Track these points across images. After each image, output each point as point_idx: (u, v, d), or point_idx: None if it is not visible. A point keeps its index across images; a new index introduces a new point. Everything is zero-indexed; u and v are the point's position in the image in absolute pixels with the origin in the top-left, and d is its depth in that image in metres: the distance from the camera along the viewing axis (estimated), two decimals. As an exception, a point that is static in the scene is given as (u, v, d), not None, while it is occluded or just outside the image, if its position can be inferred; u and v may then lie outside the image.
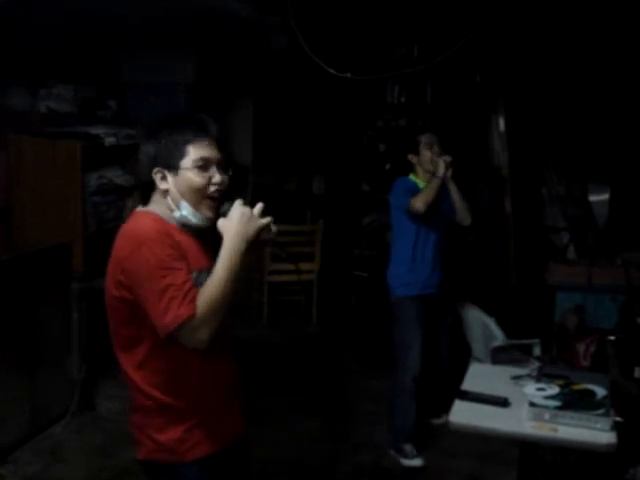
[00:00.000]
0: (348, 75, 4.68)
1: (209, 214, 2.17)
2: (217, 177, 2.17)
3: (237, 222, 2.06)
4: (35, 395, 4.47)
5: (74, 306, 4.77)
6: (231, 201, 2.11)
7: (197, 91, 6.20)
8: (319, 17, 5.65)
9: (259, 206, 2.10)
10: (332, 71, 4.62)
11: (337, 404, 5.14)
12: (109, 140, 5.06)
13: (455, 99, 6.97)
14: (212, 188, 2.17)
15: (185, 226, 2.19)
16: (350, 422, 4.86)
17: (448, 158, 4.26)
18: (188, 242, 2.17)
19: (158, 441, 2.19)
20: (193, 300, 1.99)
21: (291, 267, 6.37)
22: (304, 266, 6.71)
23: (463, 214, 4.45)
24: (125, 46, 5.89)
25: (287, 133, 7.72)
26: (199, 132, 2.17)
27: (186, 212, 2.15)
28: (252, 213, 2.08)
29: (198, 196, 2.15)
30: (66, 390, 4.72)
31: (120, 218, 5.19)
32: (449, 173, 4.29)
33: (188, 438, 2.18)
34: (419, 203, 4.18)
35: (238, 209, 2.08)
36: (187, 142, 2.15)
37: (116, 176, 5.17)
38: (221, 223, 2.09)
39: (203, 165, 2.15)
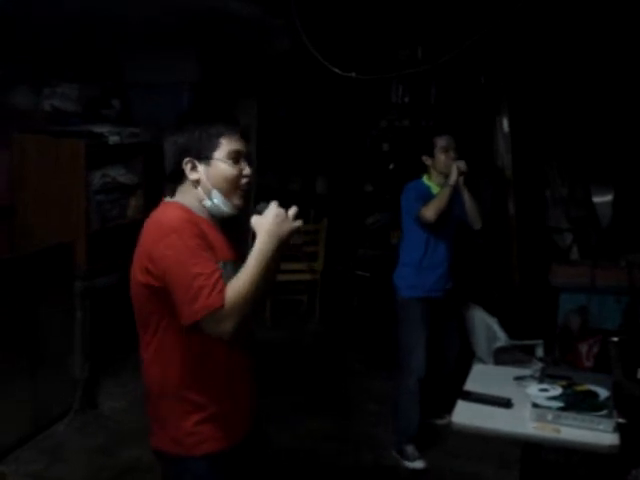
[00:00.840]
0: (353, 75, 4.67)
1: (239, 203, 2.25)
2: (247, 169, 2.25)
3: (272, 221, 2.11)
4: (37, 394, 4.47)
5: (77, 305, 4.77)
6: (265, 201, 2.17)
7: (200, 91, 6.20)
8: (323, 17, 5.64)
9: (293, 209, 2.17)
10: (337, 71, 4.61)
11: (340, 404, 5.14)
12: (113, 139, 5.06)
13: (459, 100, 6.96)
14: (243, 180, 2.24)
15: (212, 217, 2.25)
16: (353, 422, 4.86)
17: (462, 165, 4.22)
18: (214, 233, 2.22)
19: (169, 433, 2.21)
20: (222, 291, 2.01)
21: (295, 266, 6.37)
22: (308, 265, 6.71)
23: (475, 219, 4.43)
24: (129, 46, 5.89)
25: (291, 133, 7.72)
26: (231, 125, 2.24)
27: (217, 200, 2.21)
28: (287, 215, 2.14)
29: (231, 186, 2.22)
30: (68, 389, 4.72)
31: (124, 217, 5.21)
32: (461, 180, 4.28)
33: (197, 432, 2.18)
34: (430, 212, 4.14)
35: (274, 209, 2.13)
36: (221, 134, 2.21)
37: (120, 175, 5.17)
38: (255, 220, 2.13)
39: (235, 157, 2.22)
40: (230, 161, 2.20)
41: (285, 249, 2.16)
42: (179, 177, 2.24)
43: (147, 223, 2.19)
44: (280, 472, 4.00)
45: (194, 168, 2.20)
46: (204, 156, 2.19)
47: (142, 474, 4.01)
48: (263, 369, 5.13)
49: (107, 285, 4.77)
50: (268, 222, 2.11)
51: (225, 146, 2.20)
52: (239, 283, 2.03)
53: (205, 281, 2.00)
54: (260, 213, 2.15)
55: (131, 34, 5.60)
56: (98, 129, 5.08)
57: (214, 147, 2.20)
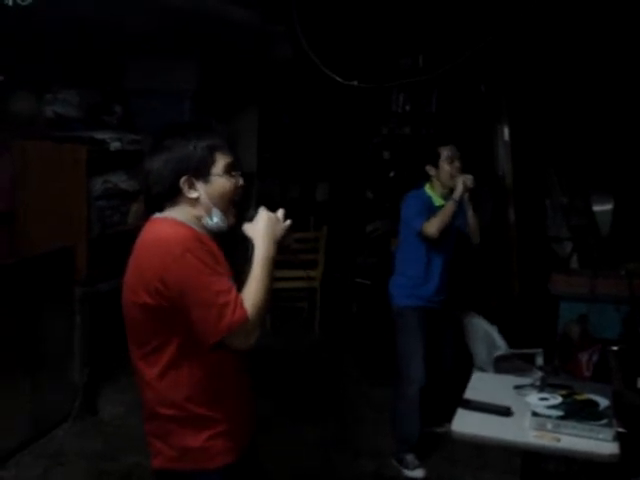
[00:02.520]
0: (355, 83, 4.68)
1: (233, 219, 2.23)
2: (241, 181, 2.23)
3: (266, 225, 2.13)
4: (37, 399, 4.47)
5: (77, 310, 4.77)
6: (250, 208, 2.19)
7: (202, 97, 6.21)
8: (325, 25, 5.66)
9: (281, 211, 2.19)
10: (339, 79, 4.62)
11: (338, 411, 5.14)
12: (114, 145, 5.06)
13: (460, 108, 6.98)
14: (238, 192, 2.22)
15: (209, 232, 2.20)
16: (352, 430, 4.86)
17: (469, 180, 4.19)
18: (217, 249, 2.19)
19: (179, 449, 2.16)
20: (243, 305, 2.00)
21: (294, 274, 6.37)
22: (307, 273, 6.71)
23: (475, 234, 4.42)
24: (130, 52, 5.90)
25: (292, 140, 7.73)
26: (220, 138, 2.21)
27: (218, 219, 2.17)
28: (277, 217, 2.17)
29: (228, 202, 2.19)
30: (68, 394, 4.72)
31: (124, 223, 5.20)
32: (467, 197, 4.27)
33: (211, 446, 2.16)
34: (433, 229, 4.10)
35: (264, 213, 2.16)
36: (215, 149, 2.17)
37: (121, 181, 5.17)
38: (247, 227, 2.16)
39: (230, 170, 2.19)
40: (227, 175, 2.17)
41: (280, 252, 2.17)
42: (172, 196, 2.16)
43: (145, 240, 2.13)
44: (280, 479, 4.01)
45: (192, 186, 2.14)
46: (203, 173, 2.14)
47: (142, 480, 4.01)
48: (263, 376, 5.14)
49: (107, 291, 4.76)
50: (262, 227, 2.13)
51: (221, 160, 2.17)
52: (251, 293, 2.04)
53: (226, 297, 1.99)
54: (250, 220, 2.18)
55: (132, 41, 5.61)
56: (99, 135, 5.08)
57: (211, 163, 2.15)
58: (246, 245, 2.16)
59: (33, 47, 4.91)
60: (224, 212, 2.18)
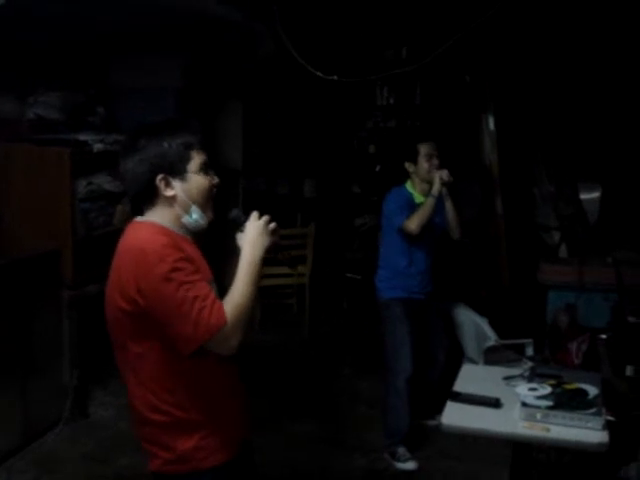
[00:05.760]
0: (335, 78, 4.68)
1: (212, 215, 2.22)
2: (216, 178, 2.22)
3: (255, 232, 2.14)
4: (27, 403, 4.46)
5: (65, 313, 4.76)
6: (236, 207, 2.25)
7: (186, 95, 6.19)
8: (306, 20, 5.64)
9: (265, 217, 2.18)
10: (319, 74, 4.62)
11: (330, 407, 5.14)
12: (97, 146, 5.04)
13: (445, 100, 6.97)
14: (214, 190, 2.21)
15: (190, 234, 2.20)
16: (343, 425, 4.86)
17: (445, 175, 4.22)
18: (195, 252, 2.19)
19: (173, 452, 2.15)
20: (221, 308, 1.99)
21: (284, 271, 6.36)
22: (296, 269, 6.70)
23: (455, 229, 4.45)
24: (113, 51, 5.87)
25: (277, 137, 7.72)
26: (194, 136, 2.20)
27: (197, 216, 2.17)
28: (264, 223, 2.16)
29: (206, 199, 2.19)
30: (58, 398, 4.71)
31: (110, 224, 5.17)
32: (445, 190, 4.28)
33: (204, 446, 2.16)
34: (413, 225, 4.15)
35: (255, 223, 2.16)
36: (190, 146, 2.16)
37: (105, 182, 5.14)
38: (240, 237, 2.18)
39: (205, 168, 2.18)
40: (202, 172, 2.17)
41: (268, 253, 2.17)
42: (149, 196, 2.16)
43: (124, 247, 2.12)
44: (272, 476, 4.01)
45: (168, 185, 2.14)
46: (178, 171, 2.14)
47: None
48: (253, 373, 5.13)
49: (95, 293, 4.74)
50: (250, 234, 2.14)
51: (196, 158, 2.16)
52: (234, 298, 2.04)
53: (203, 302, 1.97)
54: (235, 221, 2.20)
55: (115, 39, 5.58)
56: (82, 137, 5.05)
57: (187, 160, 2.15)
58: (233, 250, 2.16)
59: (14, 49, 4.88)
60: (202, 209, 2.18)
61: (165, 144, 2.14)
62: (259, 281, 2.11)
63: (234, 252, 2.16)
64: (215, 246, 2.30)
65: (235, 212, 2.24)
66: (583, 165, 6.18)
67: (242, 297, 2.04)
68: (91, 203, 5.06)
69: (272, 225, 2.18)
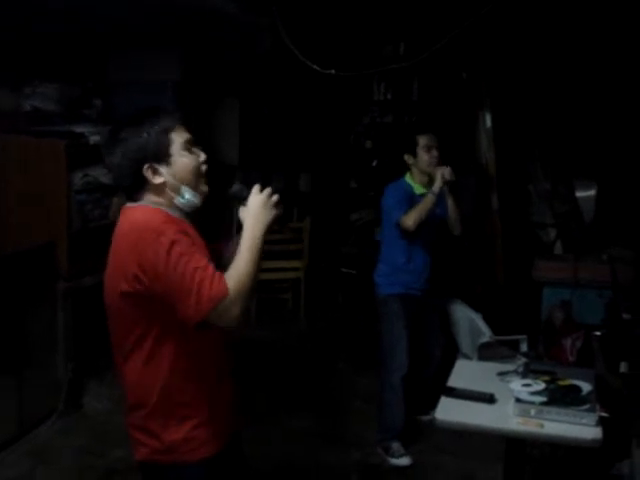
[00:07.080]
0: (332, 72, 4.68)
1: (205, 189, 2.24)
2: (202, 155, 2.24)
3: (257, 206, 2.16)
4: (21, 395, 4.45)
5: (60, 305, 4.75)
6: (240, 183, 2.24)
7: (183, 89, 6.18)
8: (305, 15, 5.64)
9: (267, 190, 2.19)
10: (316, 68, 4.62)
11: (325, 402, 5.14)
12: (93, 139, 5.03)
13: (441, 96, 6.97)
14: (203, 167, 2.23)
15: (186, 215, 2.22)
16: (339, 420, 4.86)
17: (447, 173, 4.18)
18: (194, 233, 2.21)
19: (162, 442, 2.16)
20: (222, 279, 2.00)
21: (279, 265, 6.37)
22: (291, 264, 6.71)
23: (456, 225, 4.44)
24: (111, 45, 5.86)
25: (274, 131, 7.70)
26: (172, 119, 2.21)
27: (189, 195, 2.19)
28: (266, 195, 2.18)
29: (196, 176, 2.20)
30: (53, 390, 4.70)
31: (105, 217, 5.16)
32: (446, 189, 4.27)
33: (193, 437, 2.17)
34: (410, 222, 4.12)
35: (257, 196, 2.17)
36: (168, 130, 2.17)
37: (101, 175, 5.13)
38: (242, 210, 2.18)
39: (189, 147, 2.20)
40: (186, 152, 2.19)
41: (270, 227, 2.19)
42: (140, 186, 2.18)
43: (120, 230, 2.16)
44: (265, 471, 4.01)
45: (156, 172, 2.15)
46: (163, 157, 2.15)
47: (127, 475, 3.99)
48: (248, 368, 5.14)
49: (90, 285, 4.74)
50: (253, 207, 2.15)
51: (177, 139, 2.18)
52: (236, 270, 2.04)
53: (203, 273, 1.98)
54: (237, 196, 2.22)
55: (116, 33, 5.57)
56: (79, 129, 5.05)
57: (168, 144, 2.16)
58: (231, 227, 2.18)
59: (12, 41, 4.86)
60: (193, 188, 2.20)
61: (144, 134, 2.15)
62: (260, 256, 2.12)
63: (231, 232, 2.17)
64: (213, 226, 2.30)
65: (237, 187, 2.26)
66: (579, 163, 6.19)
67: (245, 268, 2.05)
68: (87, 195, 5.05)
69: (274, 198, 2.19)
